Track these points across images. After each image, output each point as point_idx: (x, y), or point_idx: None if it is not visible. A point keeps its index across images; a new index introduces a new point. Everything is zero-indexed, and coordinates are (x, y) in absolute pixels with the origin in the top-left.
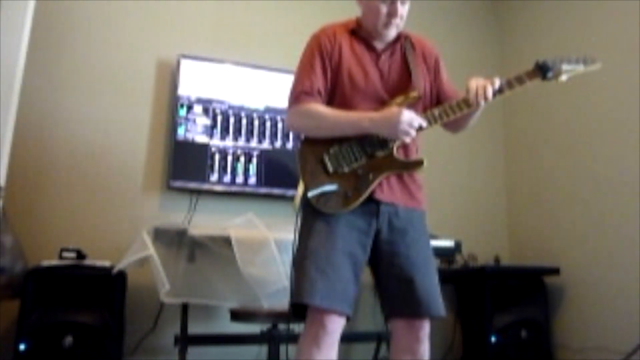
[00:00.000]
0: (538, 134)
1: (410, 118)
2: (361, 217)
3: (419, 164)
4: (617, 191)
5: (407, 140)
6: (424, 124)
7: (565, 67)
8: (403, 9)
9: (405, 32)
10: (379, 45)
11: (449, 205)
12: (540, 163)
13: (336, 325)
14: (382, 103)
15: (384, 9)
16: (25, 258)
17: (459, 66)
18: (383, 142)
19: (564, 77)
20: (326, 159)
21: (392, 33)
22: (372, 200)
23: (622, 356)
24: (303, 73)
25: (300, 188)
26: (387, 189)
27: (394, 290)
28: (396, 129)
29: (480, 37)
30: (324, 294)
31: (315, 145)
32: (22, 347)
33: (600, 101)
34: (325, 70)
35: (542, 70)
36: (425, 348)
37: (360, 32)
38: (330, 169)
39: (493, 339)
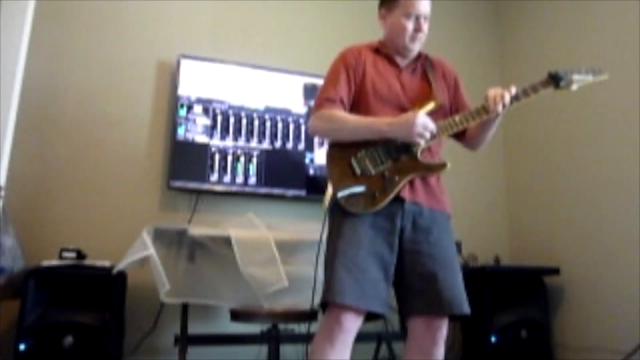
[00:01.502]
0: (538, 134)
1: (424, 122)
2: (386, 217)
3: (442, 166)
4: (617, 191)
5: (422, 143)
6: (436, 129)
7: (575, 77)
8: (425, 25)
9: (425, 53)
10: (401, 62)
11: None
12: (540, 163)
13: (352, 324)
14: (404, 111)
15: (410, 25)
16: (25, 258)
17: (460, 67)
18: (407, 146)
19: (574, 87)
20: (353, 162)
21: (416, 47)
22: (396, 201)
23: (622, 356)
24: (328, 83)
25: (329, 190)
26: (411, 190)
27: (417, 287)
28: (411, 132)
29: (482, 38)
30: (351, 293)
31: (342, 149)
32: (22, 347)
33: (600, 101)
34: (349, 82)
35: (555, 80)
36: (440, 351)
37: (383, 50)
38: (358, 171)
39: (493, 339)
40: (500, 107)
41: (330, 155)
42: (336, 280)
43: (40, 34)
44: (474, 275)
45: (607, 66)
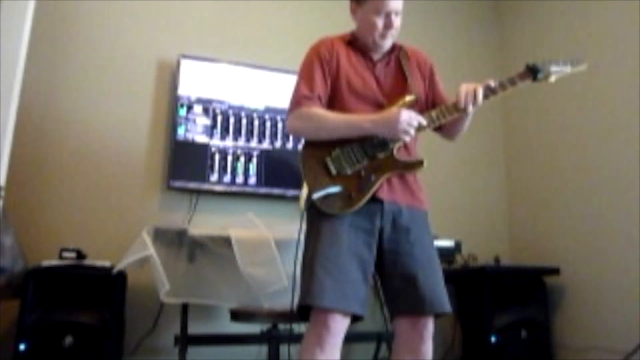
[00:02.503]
0: (538, 133)
1: (409, 117)
2: (365, 217)
3: (419, 164)
4: (617, 191)
5: (407, 139)
6: (424, 122)
7: (553, 68)
8: (397, 21)
9: (399, 43)
10: (374, 55)
11: (449, 205)
12: (540, 163)
13: (340, 326)
14: (380, 107)
15: (379, 22)
16: (25, 258)
17: (460, 66)
18: (383, 144)
19: (552, 78)
20: (329, 162)
21: (387, 43)
22: (375, 200)
23: (622, 356)
24: (303, 80)
25: (305, 191)
26: (389, 189)
27: (398, 288)
28: (396, 129)
29: (481, 38)
30: (332, 295)
31: (317, 149)
32: (22, 347)
33: (600, 101)
34: (324, 77)
35: (532, 72)
36: (428, 348)
37: (356, 44)
38: (333, 171)
39: (493, 339)
40: (470, 107)
41: (304, 155)
42: (315, 283)
43: (40, 34)
44: (474, 275)
45: (607, 65)
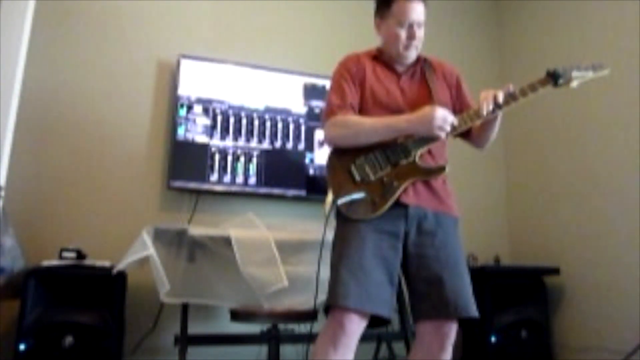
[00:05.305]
0: (538, 133)
1: (444, 114)
2: (390, 221)
3: (441, 169)
4: (618, 191)
5: (442, 135)
6: (456, 122)
7: (575, 74)
8: (420, 32)
9: (424, 56)
10: (399, 68)
11: None
12: (540, 163)
13: (355, 327)
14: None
15: (403, 33)
16: (25, 258)
17: (459, 66)
18: (406, 151)
19: (574, 84)
20: (353, 169)
21: (412, 54)
22: (400, 205)
23: (622, 356)
24: (334, 92)
25: (330, 196)
26: (414, 194)
27: (423, 291)
28: (432, 125)
29: (481, 38)
30: (355, 296)
31: (342, 157)
32: (22, 347)
33: (600, 101)
34: (354, 87)
35: (553, 78)
36: (446, 357)
37: (381, 58)
38: (357, 178)
39: (493, 339)
40: (490, 108)
41: (330, 163)
42: (340, 284)
43: (40, 34)
44: (474, 276)
45: (607, 65)
